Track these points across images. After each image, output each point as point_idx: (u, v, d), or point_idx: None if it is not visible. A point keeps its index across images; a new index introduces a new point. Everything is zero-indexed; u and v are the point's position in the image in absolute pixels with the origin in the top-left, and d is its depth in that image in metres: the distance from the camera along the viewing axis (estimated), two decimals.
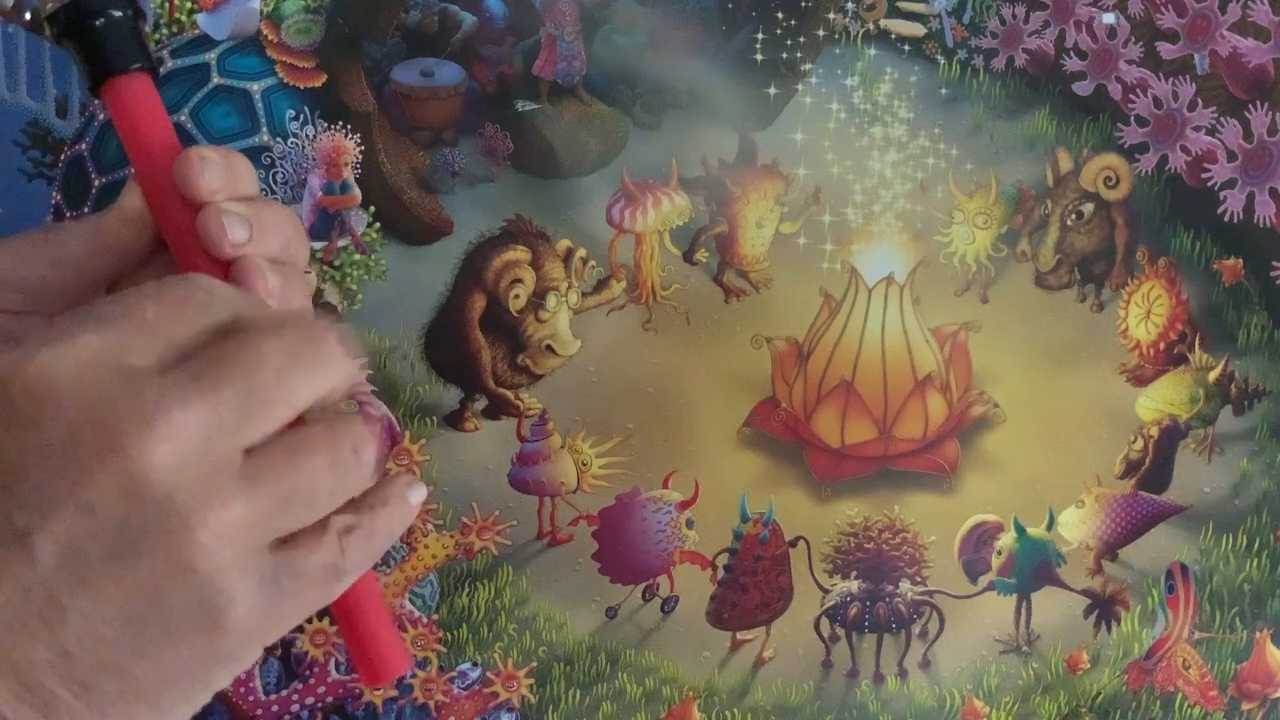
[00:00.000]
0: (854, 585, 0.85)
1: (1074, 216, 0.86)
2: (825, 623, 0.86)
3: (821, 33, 0.83)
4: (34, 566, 0.31)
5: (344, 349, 0.36)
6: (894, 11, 0.83)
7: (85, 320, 0.34)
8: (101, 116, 0.77)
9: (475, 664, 0.82)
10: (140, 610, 0.32)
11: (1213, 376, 0.87)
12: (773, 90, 0.82)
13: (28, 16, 0.41)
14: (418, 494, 0.39)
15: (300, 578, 0.34)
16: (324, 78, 0.77)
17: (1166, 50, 0.84)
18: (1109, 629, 0.88)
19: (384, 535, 0.37)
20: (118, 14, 0.40)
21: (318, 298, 0.79)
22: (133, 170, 0.41)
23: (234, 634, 0.33)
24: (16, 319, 0.42)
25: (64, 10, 0.40)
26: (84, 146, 0.77)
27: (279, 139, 0.77)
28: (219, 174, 0.39)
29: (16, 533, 0.31)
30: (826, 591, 0.85)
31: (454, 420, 0.81)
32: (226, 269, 0.38)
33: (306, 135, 0.77)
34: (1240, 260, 0.86)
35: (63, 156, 0.78)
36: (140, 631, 0.32)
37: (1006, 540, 0.86)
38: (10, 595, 0.31)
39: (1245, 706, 0.89)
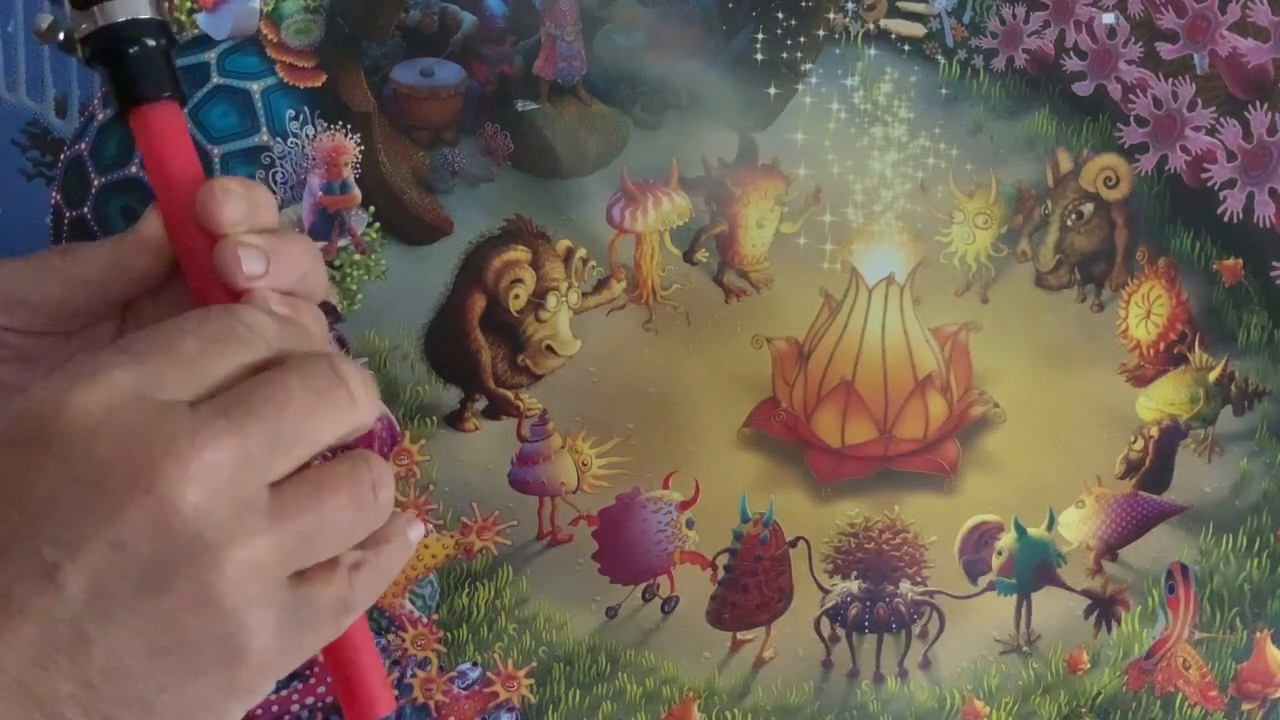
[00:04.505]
0: (854, 585, 0.85)
1: (1074, 216, 0.86)
2: (825, 623, 0.86)
3: (821, 33, 0.83)
4: (62, 601, 0.31)
5: (365, 391, 0.36)
6: (894, 11, 0.83)
7: (120, 356, 0.34)
8: (101, 117, 0.77)
9: (475, 664, 0.82)
10: (165, 644, 0.32)
11: (1213, 376, 0.87)
12: (773, 90, 0.82)
13: (61, 36, 0.41)
14: (416, 531, 0.40)
15: (315, 611, 0.35)
16: (324, 77, 0.77)
17: (1166, 50, 0.84)
18: (1109, 629, 0.88)
19: (387, 571, 0.37)
20: (151, 43, 0.40)
21: None
22: (155, 197, 0.41)
23: (253, 667, 0.33)
24: (32, 339, 0.42)
25: (98, 35, 0.40)
26: (84, 146, 0.77)
27: (279, 139, 0.77)
28: (240, 206, 0.39)
29: (46, 567, 0.31)
30: (827, 592, 0.85)
31: (454, 420, 0.81)
32: (239, 299, 0.39)
33: (306, 135, 0.77)
34: (1240, 260, 0.86)
35: (62, 156, 0.77)
36: (164, 666, 0.32)
37: (1007, 540, 0.86)
38: (37, 628, 0.31)
39: (1245, 706, 0.89)
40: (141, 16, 0.40)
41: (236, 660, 0.33)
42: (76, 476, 0.31)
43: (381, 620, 0.80)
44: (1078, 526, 0.87)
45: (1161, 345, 0.87)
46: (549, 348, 0.82)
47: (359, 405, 0.36)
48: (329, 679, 0.80)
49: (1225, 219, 0.85)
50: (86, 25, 0.40)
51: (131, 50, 0.40)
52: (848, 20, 0.83)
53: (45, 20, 0.41)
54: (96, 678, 0.31)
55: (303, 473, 0.34)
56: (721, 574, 0.84)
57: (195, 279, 0.40)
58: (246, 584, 0.32)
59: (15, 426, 0.32)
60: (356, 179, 0.78)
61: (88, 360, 0.34)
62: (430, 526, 0.80)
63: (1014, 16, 0.84)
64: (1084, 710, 0.88)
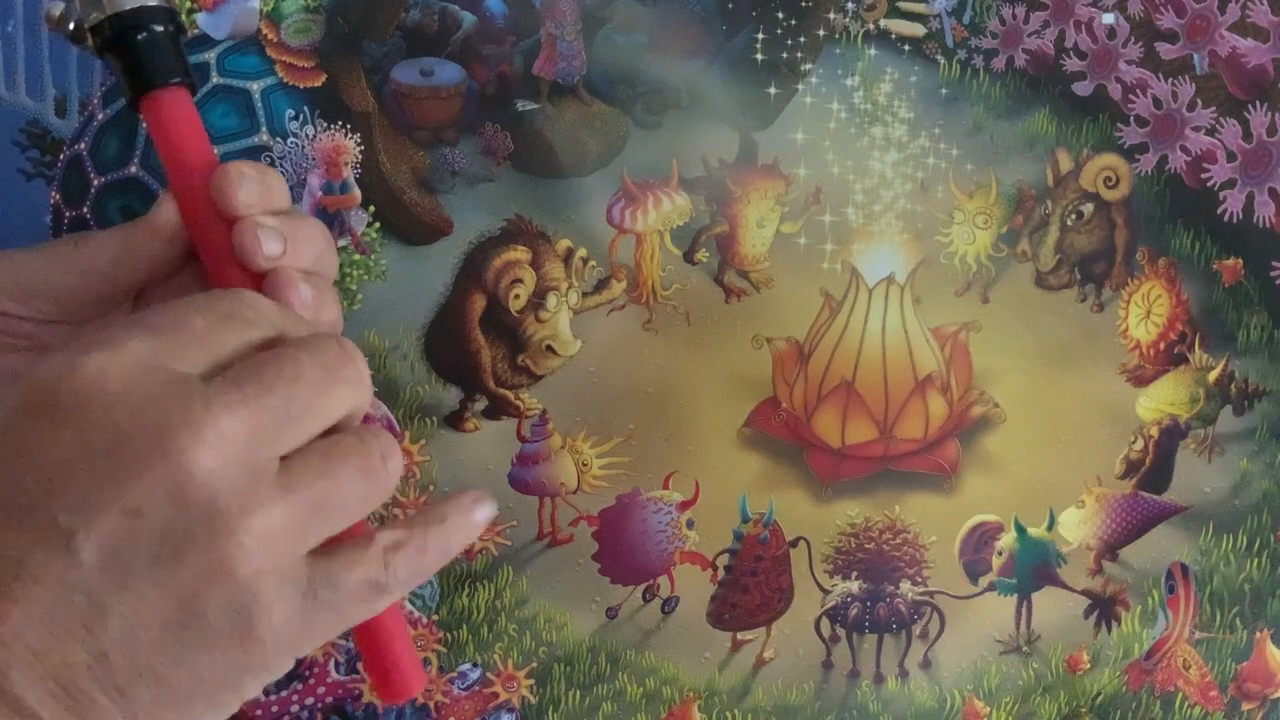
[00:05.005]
0: (854, 586, 0.85)
1: (1074, 216, 0.86)
2: (826, 623, 0.86)
3: (821, 33, 0.83)
4: (77, 568, 0.31)
5: (367, 370, 0.37)
6: (894, 11, 0.83)
7: (134, 328, 0.34)
8: (100, 116, 0.77)
9: (475, 664, 0.82)
10: (179, 615, 0.32)
11: (1213, 376, 0.87)
12: (773, 90, 0.82)
13: (71, 26, 0.41)
14: (485, 511, 0.39)
15: (340, 591, 0.35)
16: (324, 77, 0.77)
17: (1166, 50, 0.84)
18: (1109, 629, 0.88)
19: (438, 552, 0.37)
20: (160, 29, 0.41)
21: None
22: (169, 183, 0.41)
23: (268, 643, 0.33)
24: (45, 327, 0.42)
25: (107, 23, 0.40)
26: (83, 146, 0.77)
27: (279, 139, 0.77)
28: (255, 189, 0.39)
29: (61, 534, 0.31)
30: (827, 592, 0.85)
31: (454, 420, 0.81)
32: (259, 281, 0.39)
33: (306, 135, 0.77)
34: (1240, 260, 0.86)
35: (61, 156, 0.77)
36: (178, 637, 0.32)
37: (1007, 540, 0.86)
38: (52, 596, 0.31)
39: (1245, 706, 0.89)
40: (149, 3, 0.40)
41: (249, 633, 0.32)
42: (92, 443, 0.31)
43: None
44: (1078, 526, 0.87)
45: (1161, 345, 0.87)
46: (549, 348, 0.82)
47: (365, 382, 0.36)
48: (329, 679, 0.80)
49: (1225, 219, 0.85)
50: (96, 14, 0.40)
51: (140, 37, 0.40)
52: (848, 20, 0.83)
53: (56, 9, 0.41)
54: (111, 648, 0.31)
55: (311, 444, 0.35)
56: (722, 574, 0.84)
57: (213, 262, 0.40)
58: (261, 554, 0.32)
59: (30, 394, 0.32)
60: (356, 179, 0.78)
61: (102, 332, 0.34)
62: None
63: (1014, 16, 0.84)
64: (1084, 710, 0.88)
